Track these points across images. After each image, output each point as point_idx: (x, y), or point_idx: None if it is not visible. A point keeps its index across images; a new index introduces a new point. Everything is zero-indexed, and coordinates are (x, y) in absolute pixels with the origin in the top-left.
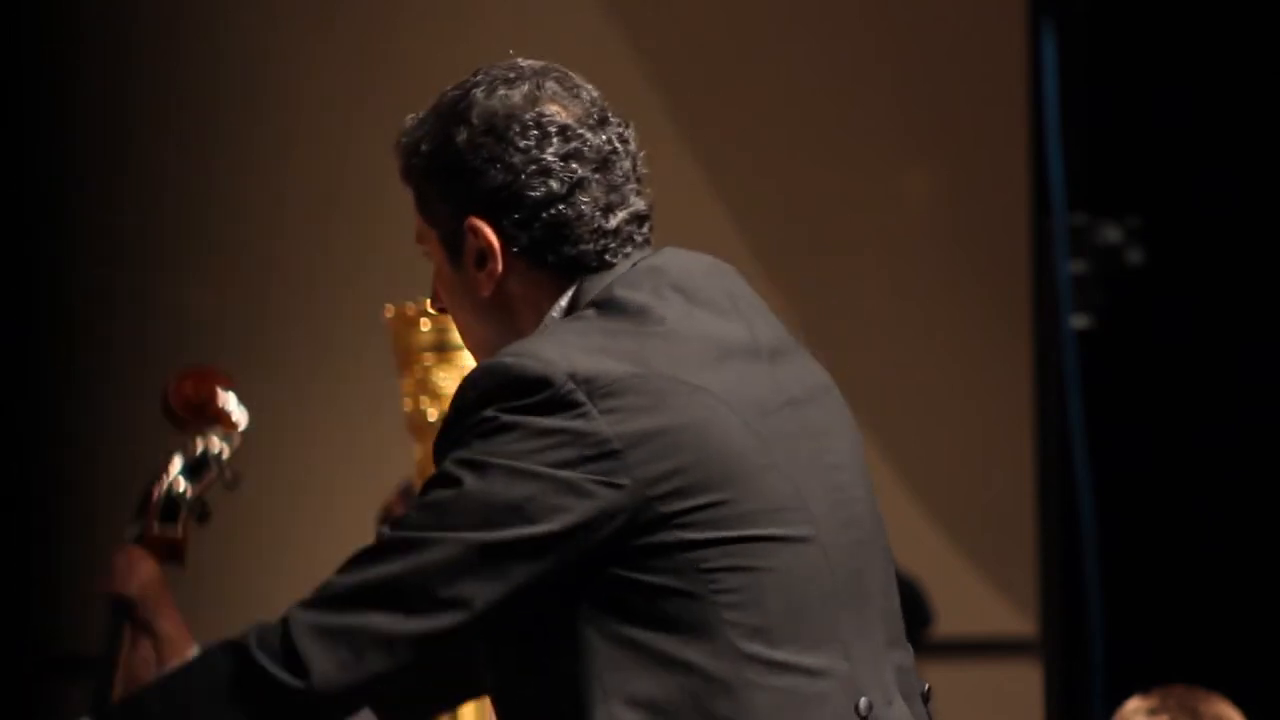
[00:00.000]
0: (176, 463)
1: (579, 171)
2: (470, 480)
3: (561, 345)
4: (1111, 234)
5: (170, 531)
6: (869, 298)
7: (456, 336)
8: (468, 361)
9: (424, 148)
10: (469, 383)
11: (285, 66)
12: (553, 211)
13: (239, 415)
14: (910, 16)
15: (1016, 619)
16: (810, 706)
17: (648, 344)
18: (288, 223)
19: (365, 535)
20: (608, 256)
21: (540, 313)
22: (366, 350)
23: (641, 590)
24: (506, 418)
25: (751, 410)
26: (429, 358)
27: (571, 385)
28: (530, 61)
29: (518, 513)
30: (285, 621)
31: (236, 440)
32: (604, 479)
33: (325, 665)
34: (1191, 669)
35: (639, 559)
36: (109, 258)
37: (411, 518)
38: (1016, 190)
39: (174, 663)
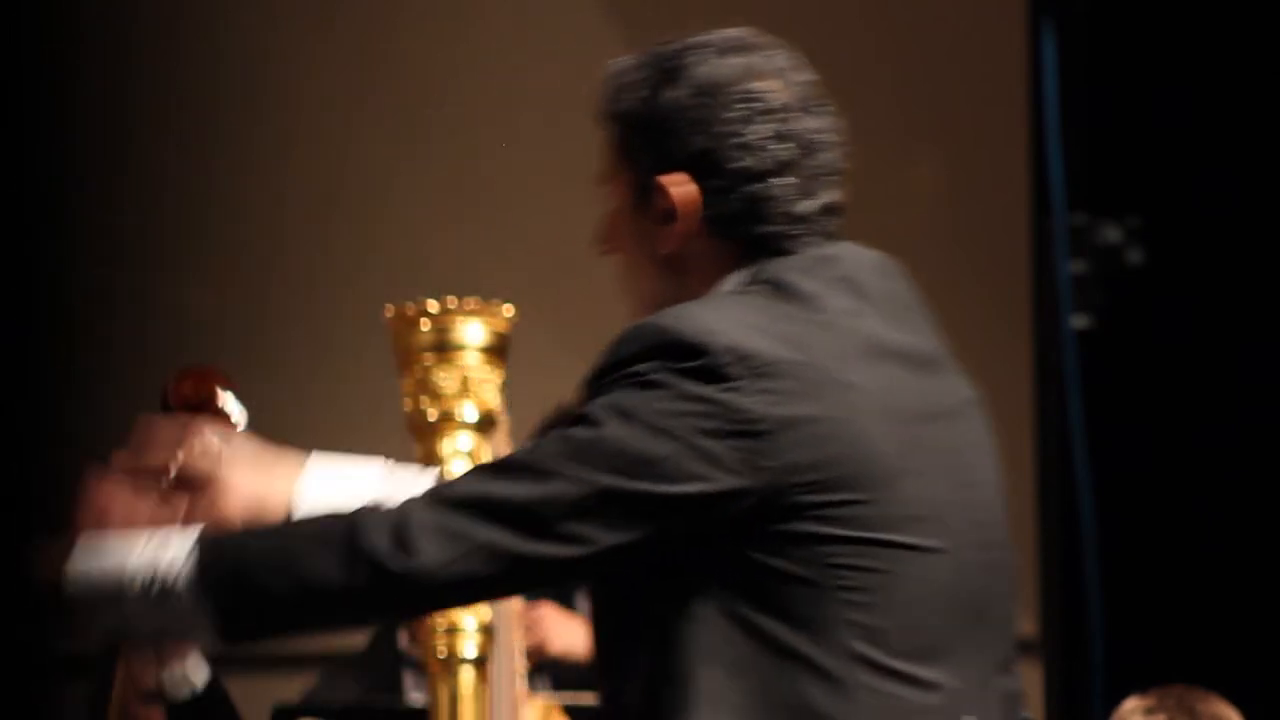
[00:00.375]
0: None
1: (782, 154)
2: (612, 426)
3: (725, 317)
4: (1111, 234)
5: None
6: None
7: (456, 336)
8: (468, 361)
9: (635, 94)
10: (626, 336)
11: (285, 66)
12: (749, 188)
13: (238, 415)
14: (911, 17)
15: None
16: (913, 717)
17: (809, 332)
18: (288, 223)
19: None
20: (791, 243)
21: (712, 282)
22: (366, 350)
23: (767, 574)
24: (657, 376)
25: (899, 416)
26: (429, 358)
27: (729, 358)
28: (758, 34)
29: (651, 468)
30: (402, 510)
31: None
32: (746, 456)
33: (431, 556)
34: (1191, 669)
35: (770, 543)
36: (109, 258)
37: (546, 446)
38: (1016, 190)
39: (174, 663)
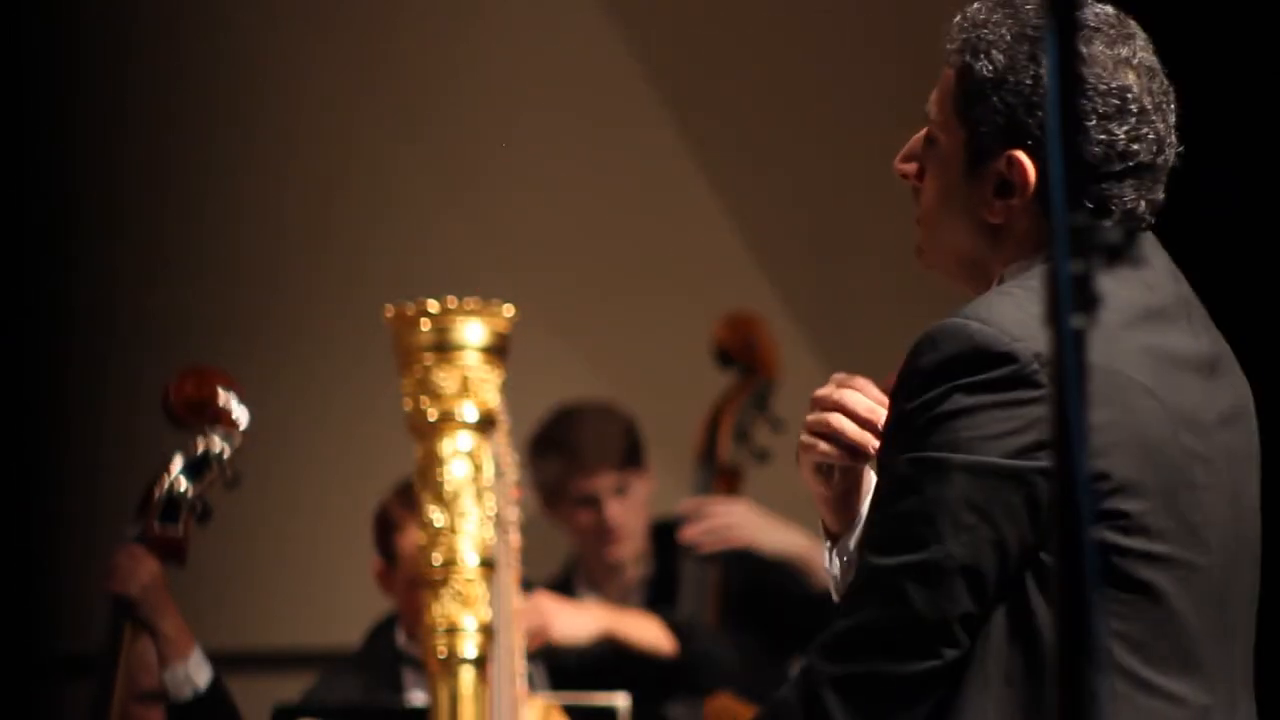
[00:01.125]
0: (178, 462)
1: (1138, 156)
2: (932, 488)
3: (1024, 317)
4: (1111, 234)
5: (171, 531)
6: (871, 298)
7: (456, 336)
8: (468, 361)
9: (1000, 56)
10: (930, 342)
11: (285, 66)
12: (1100, 186)
13: (240, 415)
14: (911, 17)
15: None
16: None
17: (1105, 330)
18: (288, 223)
19: (364, 534)
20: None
21: (1024, 260)
22: (366, 350)
23: (1042, 581)
24: (965, 399)
25: (1185, 422)
26: (429, 358)
27: (1036, 365)
28: (1128, 20)
29: (983, 517)
30: (806, 673)
31: (237, 440)
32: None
33: (846, 716)
34: None
35: (1051, 548)
36: (109, 258)
37: (882, 541)
38: None
39: (177, 663)
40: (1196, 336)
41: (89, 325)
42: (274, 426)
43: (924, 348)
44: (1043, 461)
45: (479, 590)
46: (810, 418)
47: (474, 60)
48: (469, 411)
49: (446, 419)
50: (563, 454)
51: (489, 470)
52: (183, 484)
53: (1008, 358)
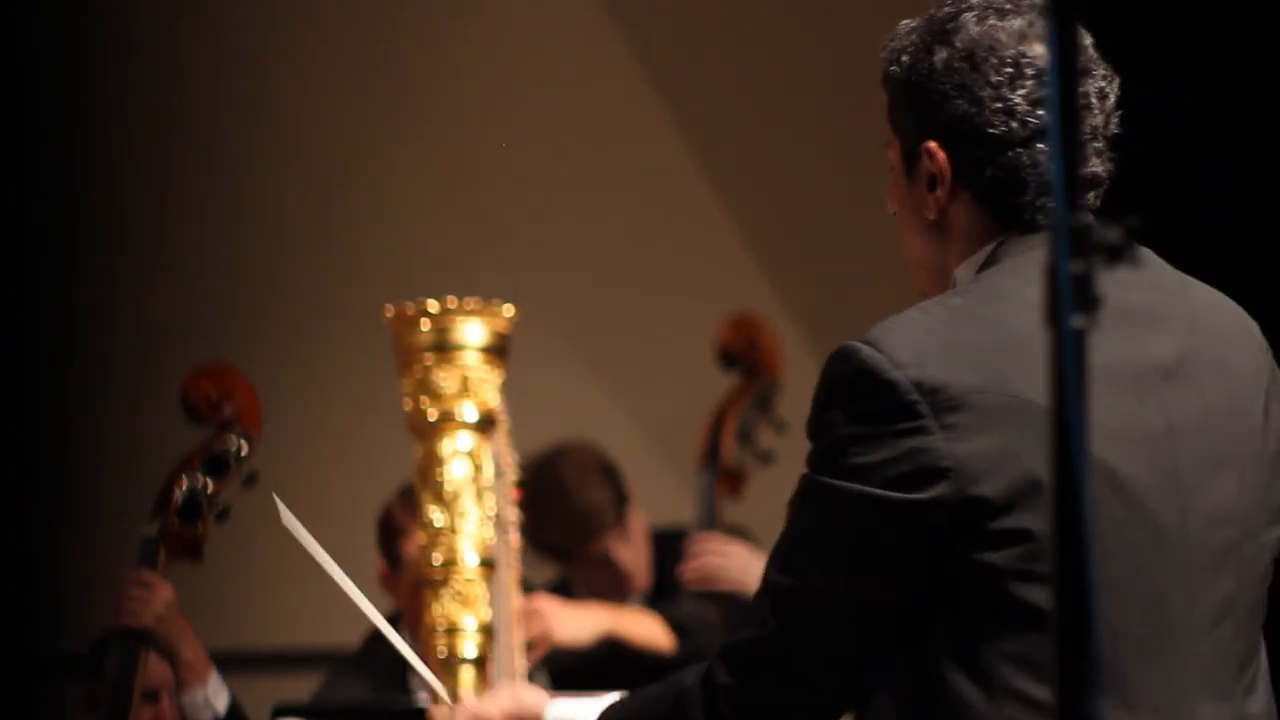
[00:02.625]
0: (198, 461)
1: (1045, 119)
2: (817, 512)
3: (922, 339)
4: (1111, 234)
5: (191, 530)
6: (872, 298)
7: (456, 336)
8: (468, 361)
9: (904, 59)
10: (829, 361)
11: (285, 66)
12: (1009, 155)
13: (259, 413)
14: (910, 16)
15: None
16: None
17: (1004, 347)
18: (288, 223)
19: (365, 534)
20: (1039, 215)
21: (969, 249)
22: (366, 350)
23: (940, 602)
24: (844, 428)
25: (1097, 441)
26: (429, 358)
27: (915, 396)
28: (1035, 3)
29: (863, 547)
30: (708, 676)
31: (256, 438)
32: (934, 496)
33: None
34: None
35: (947, 575)
36: (109, 258)
37: (779, 557)
38: None
39: (194, 687)
40: (1143, 340)
41: (89, 325)
42: (273, 427)
43: (826, 365)
44: (922, 494)
45: (479, 590)
46: None
47: (474, 60)
48: (469, 411)
49: (446, 419)
50: (562, 525)
51: (489, 470)
52: (203, 483)
53: (886, 387)
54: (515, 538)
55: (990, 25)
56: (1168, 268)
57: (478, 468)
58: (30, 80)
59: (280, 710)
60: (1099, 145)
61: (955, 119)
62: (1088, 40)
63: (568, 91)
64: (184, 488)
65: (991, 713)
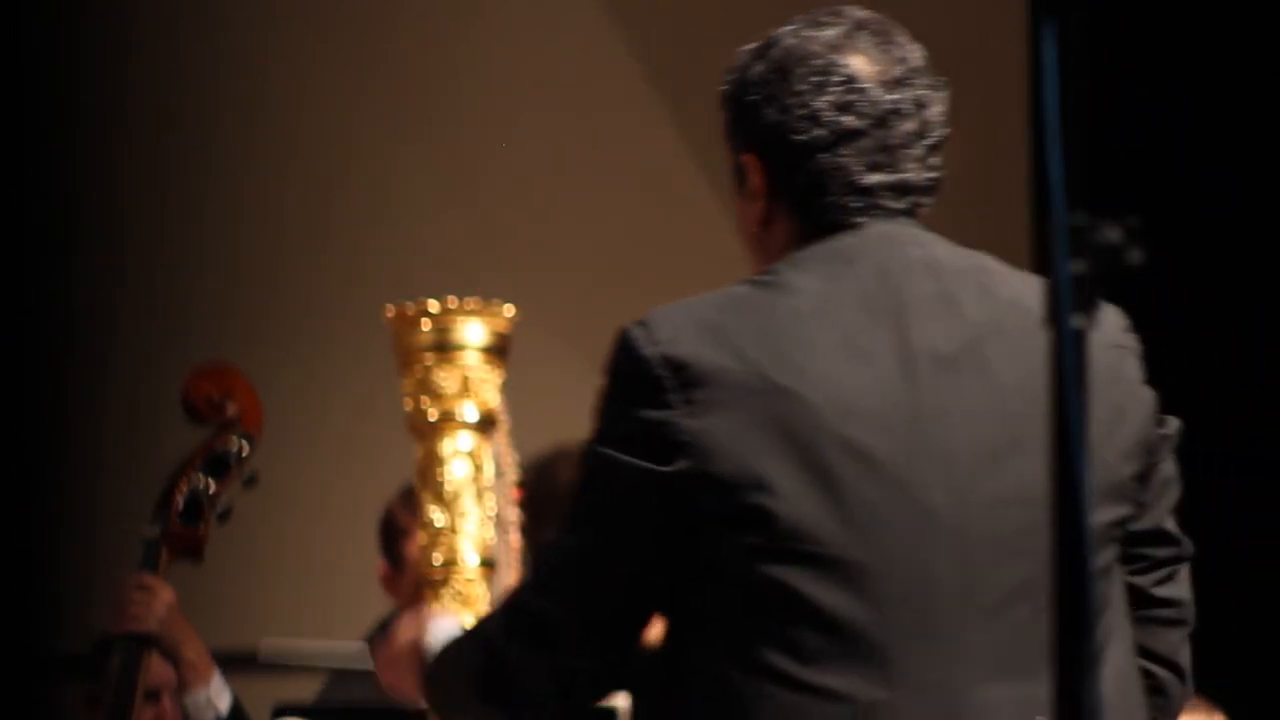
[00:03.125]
0: (199, 461)
1: (849, 123)
2: (582, 480)
3: (684, 318)
4: (1111, 234)
5: (193, 531)
6: None
7: (456, 336)
8: (468, 361)
9: (730, 77)
10: (616, 338)
11: (285, 66)
12: (814, 160)
13: (260, 414)
14: (910, 17)
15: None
16: None
17: (760, 328)
18: (288, 223)
19: (366, 534)
20: (845, 215)
21: (785, 255)
22: (366, 350)
23: (696, 581)
24: (608, 402)
25: (843, 420)
26: (429, 358)
27: (659, 372)
28: (863, 11)
29: (599, 499)
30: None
31: (256, 439)
32: (668, 468)
33: (519, 645)
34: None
35: (697, 553)
36: (108, 258)
37: (559, 526)
38: (1016, 190)
39: (196, 687)
40: (917, 330)
41: (89, 325)
42: (273, 427)
43: (614, 342)
44: (664, 466)
45: (479, 590)
46: None
47: (474, 60)
48: (469, 411)
49: (446, 419)
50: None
51: (489, 470)
52: (205, 483)
53: (638, 362)
54: (516, 538)
55: (804, 37)
56: (980, 257)
57: (478, 468)
58: (30, 80)
59: (281, 710)
60: (913, 152)
61: (766, 128)
62: (914, 53)
63: (568, 91)
64: (186, 488)
65: (749, 690)
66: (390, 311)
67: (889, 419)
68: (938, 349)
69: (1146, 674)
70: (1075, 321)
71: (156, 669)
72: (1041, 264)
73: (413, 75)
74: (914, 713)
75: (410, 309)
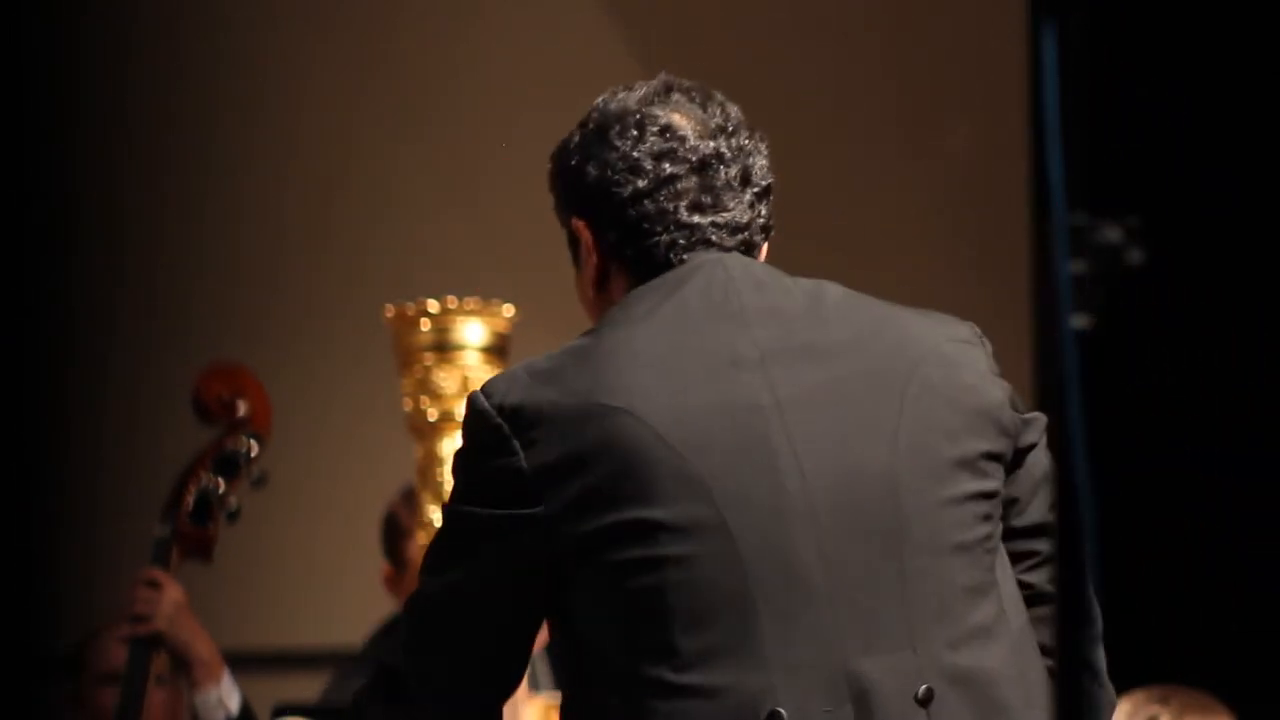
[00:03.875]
0: (209, 460)
1: (669, 169)
2: (438, 540)
3: (520, 373)
4: (1111, 234)
5: (203, 530)
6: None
7: (456, 336)
8: (468, 361)
9: (553, 154)
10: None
11: (285, 66)
12: (638, 208)
13: (269, 414)
14: (910, 17)
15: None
16: None
17: (591, 363)
18: (288, 223)
19: (365, 534)
20: (673, 254)
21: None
22: (366, 350)
23: (567, 610)
24: (459, 461)
25: (677, 425)
26: (429, 358)
27: (498, 420)
28: (679, 79)
29: (462, 559)
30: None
31: (265, 439)
32: (523, 510)
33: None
34: (1191, 669)
35: (567, 580)
36: (108, 258)
37: (417, 582)
38: (1016, 190)
39: (207, 686)
40: (745, 331)
41: (89, 325)
42: (274, 427)
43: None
44: (517, 509)
45: None
46: None
47: (474, 60)
48: None
49: (446, 419)
50: None
51: None
52: (215, 483)
53: (479, 417)
54: None
55: (619, 98)
56: (815, 281)
57: None
58: (30, 80)
59: (281, 710)
60: (740, 196)
61: (589, 187)
62: (733, 111)
63: (568, 91)
64: (196, 488)
65: (632, 710)
66: (390, 311)
67: (726, 418)
68: (768, 347)
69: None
70: (1075, 321)
71: (162, 665)
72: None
73: (413, 75)
74: (793, 693)
75: (410, 309)
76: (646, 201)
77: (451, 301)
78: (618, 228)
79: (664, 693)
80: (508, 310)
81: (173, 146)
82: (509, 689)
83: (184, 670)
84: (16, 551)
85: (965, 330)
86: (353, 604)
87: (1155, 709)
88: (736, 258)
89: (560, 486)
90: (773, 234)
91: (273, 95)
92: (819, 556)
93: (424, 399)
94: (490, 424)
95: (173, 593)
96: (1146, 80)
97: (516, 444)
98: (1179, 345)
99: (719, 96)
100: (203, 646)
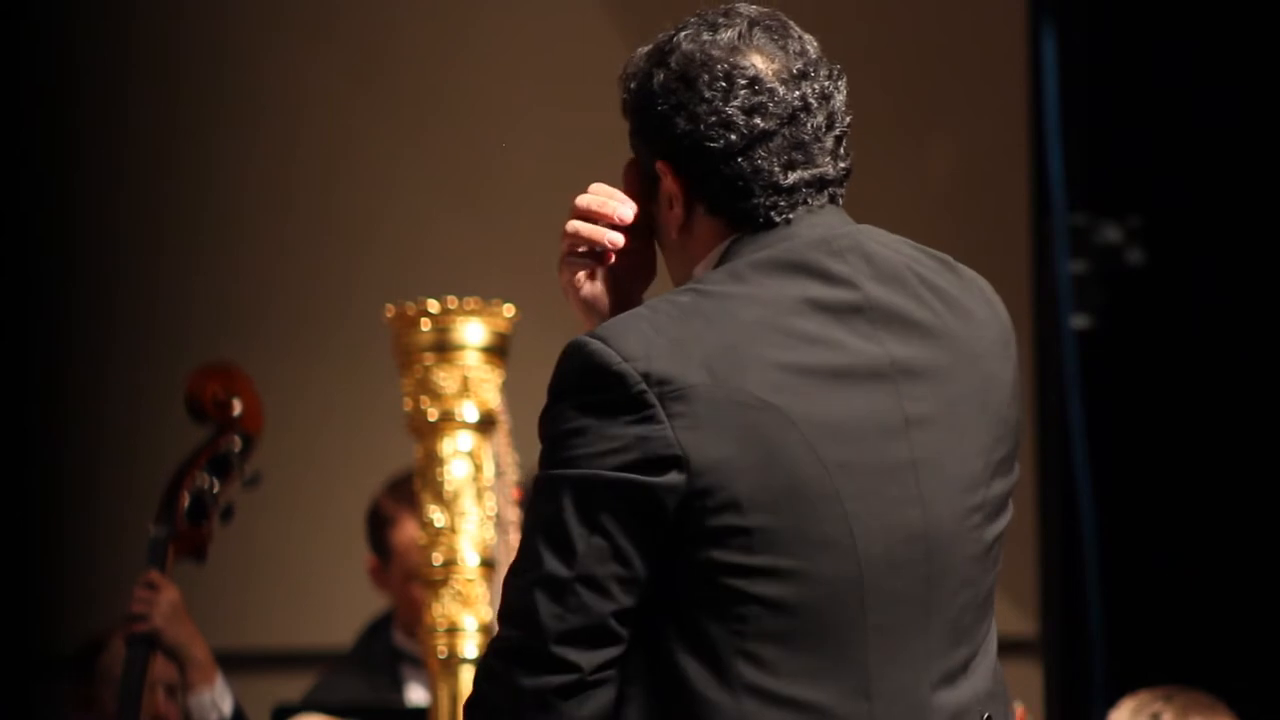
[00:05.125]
0: (203, 461)
1: (761, 125)
2: (549, 505)
3: (650, 332)
4: (1111, 234)
5: (198, 531)
6: None
7: (456, 336)
8: (468, 361)
9: (632, 85)
10: (561, 358)
11: (285, 66)
12: (731, 165)
13: (261, 413)
14: (910, 17)
15: (1016, 619)
16: None
17: (728, 338)
18: (288, 222)
19: (363, 534)
20: (774, 214)
21: (704, 261)
22: (366, 350)
23: (678, 598)
24: (575, 419)
25: (824, 437)
26: (429, 358)
27: (643, 386)
28: (751, 7)
29: (593, 528)
30: (476, 685)
31: (257, 438)
32: (665, 482)
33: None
34: (1191, 669)
35: (681, 570)
36: (109, 257)
37: (516, 561)
38: (1016, 190)
39: (201, 688)
40: (875, 340)
41: (89, 325)
42: (273, 426)
43: (558, 364)
44: (655, 478)
45: (479, 590)
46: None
47: (474, 61)
48: (469, 411)
49: (446, 419)
50: None
51: (489, 470)
52: (209, 483)
53: (616, 379)
54: (515, 538)
55: (703, 41)
56: (905, 243)
57: (478, 468)
58: (30, 81)
59: (281, 711)
60: (825, 145)
61: (677, 137)
62: (810, 45)
63: (568, 91)
64: (190, 488)
65: (729, 708)
66: (390, 311)
67: (867, 436)
68: (897, 356)
69: None
70: (1075, 321)
71: (161, 668)
72: (1041, 264)
73: (413, 76)
74: (892, 717)
75: (410, 309)
76: (740, 160)
77: (451, 301)
78: (711, 182)
79: (764, 699)
80: (508, 310)
81: (172, 146)
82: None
83: (179, 671)
84: (16, 551)
85: (1006, 315)
86: (353, 604)
87: (1158, 708)
88: (837, 225)
89: (705, 472)
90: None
91: (273, 95)
92: (927, 586)
93: (424, 399)
94: (632, 390)
95: (169, 593)
96: (1146, 80)
97: (662, 414)
98: (1179, 345)
99: (796, 33)
100: (198, 648)
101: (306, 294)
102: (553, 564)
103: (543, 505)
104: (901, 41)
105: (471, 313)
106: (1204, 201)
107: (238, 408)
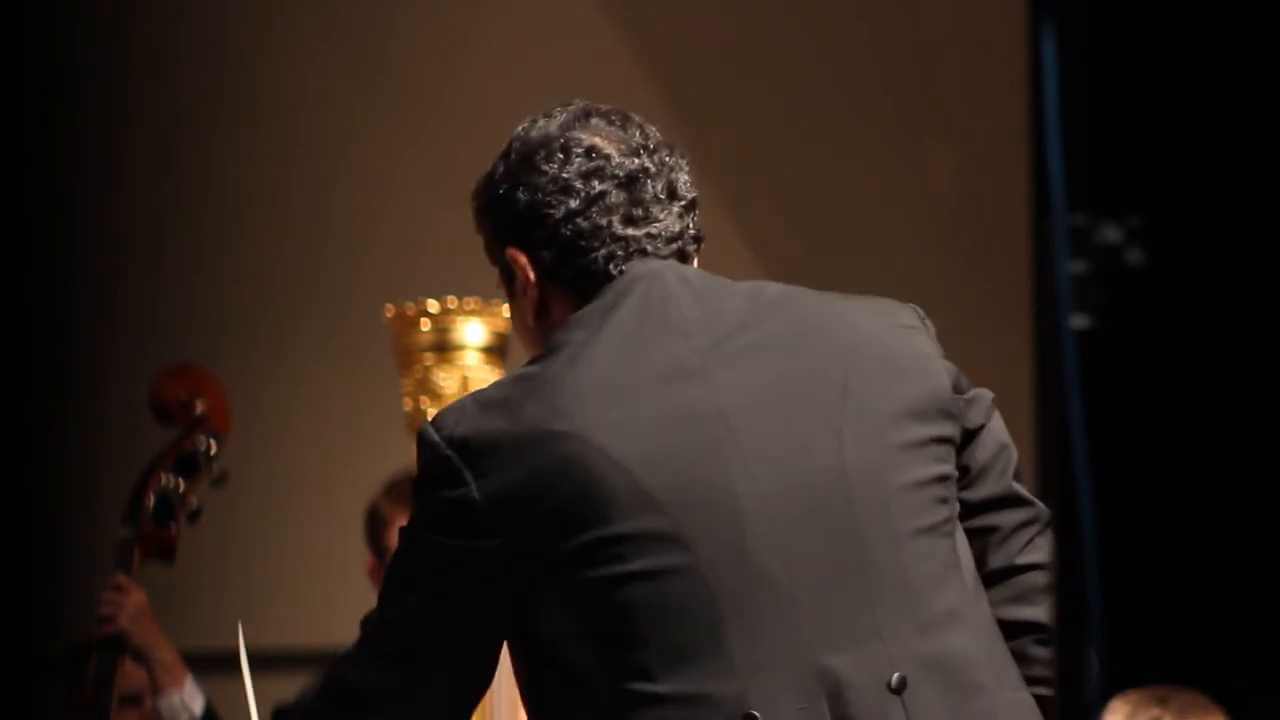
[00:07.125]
0: (168, 462)
1: (599, 186)
2: (396, 557)
3: (467, 404)
4: (1111, 234)
5: (165, 531)
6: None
7: (456, 336)
8: (468, 361)
9: (478, 190)
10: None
11: (285, 66)
12: (572, 226)
13: (227, 412)
14: (910, 17)
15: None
16: None
17: (539, 390)
18: (288, 222)
19: (363, 534)
20: (613, 266)
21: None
22: (366, 350)
23: (541, 635)
24: (416, 493)
25: (626, 443)
26: (429, 358)
27: (449, 452)
28: (588, 103)
29: (420, 585)
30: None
31: (224, 437)
32: (479, 542)
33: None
34: (1191, 669)
35: (533, 606)
36: (109, 257)
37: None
38: (1016, 190)
39: (170, 690)
40: (687, 338)
41: (89, 325)
42: (273, 426)
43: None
44: (473, 540)
45: None
46: None
47: (474, 61)
48: None
49: None
50: None
51: None
52: (175, 483)
53: (428, 449)
54: None
55: (537, 127)
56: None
57: None
58: (30, 79)
59: (281, 711)
60: (671, 209)
61: (519, 213)
62: (653, 131)
63: (568, 92)
64: (156, 489)
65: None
66: (390, 311)
67: (674, 431)
68: (709, 354)
69: (1024, 657)
70: (1075, 321)
71: (135, 674)
72: (1041, 264)
73: (413, 76)
74: (765, 694)
75: (410, 309)
76: (580, 219)
77: (451, 301)
78: (553, 248)
79: (643, 704)
80: (508, 310)
81: (172, 146)
82: (470, 707)
83: (147, 674)
84: (16, 551)
85: (907, 314)
86: (353, 604)
87: (1155, 710)
88: (672, 267)
89: (516, 516)
90: (703, 244)
91: (273, 95)
92: (778, 557)
93: (424, 399)
94: (440, 455)
95: (135, 596)
96: (1146, 80)
97: (468, 475)
98: (1179, 345)
99: (636, 118)
100: (164, 651)
101: (306, 294)
102: (375, 622)
103: (395, 561)
104: (901, 42)
105: (471, 313)
106: (1204, 201)
107: (200, 407)
